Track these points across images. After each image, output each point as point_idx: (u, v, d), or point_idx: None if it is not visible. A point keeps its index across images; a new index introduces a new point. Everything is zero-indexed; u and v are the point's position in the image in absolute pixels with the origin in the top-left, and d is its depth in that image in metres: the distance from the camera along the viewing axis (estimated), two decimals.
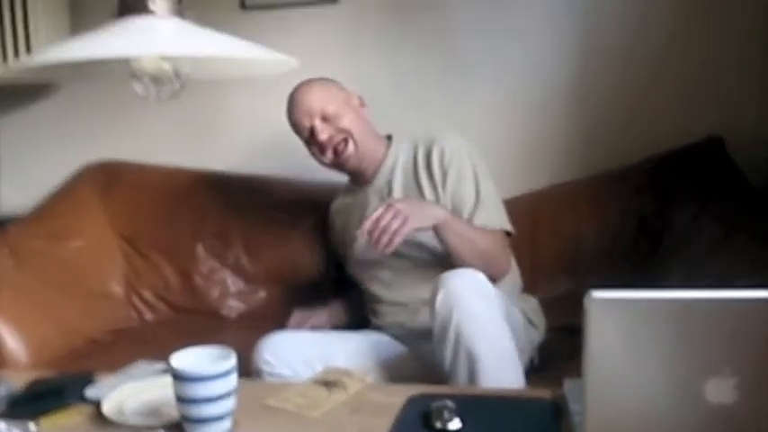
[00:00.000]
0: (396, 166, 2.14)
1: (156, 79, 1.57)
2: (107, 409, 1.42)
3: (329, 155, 2.11)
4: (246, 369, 1.41)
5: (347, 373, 1.57)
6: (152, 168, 2.90)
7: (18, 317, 2.36)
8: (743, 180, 2.33)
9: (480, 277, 1.74)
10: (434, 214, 1.85)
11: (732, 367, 1.04)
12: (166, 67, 1.57)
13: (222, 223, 2.73)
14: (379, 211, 1.78)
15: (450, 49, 2.69)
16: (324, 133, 2.08)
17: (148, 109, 2.88)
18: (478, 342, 1.64)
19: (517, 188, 2.50)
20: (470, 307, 1.66)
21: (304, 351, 1.92)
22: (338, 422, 1.38)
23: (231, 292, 2.70)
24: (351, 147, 2.10)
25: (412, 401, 1.42)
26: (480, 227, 1.95)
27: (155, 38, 1.50)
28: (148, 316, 2.74)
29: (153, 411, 1.41)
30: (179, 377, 1.29)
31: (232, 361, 1.32)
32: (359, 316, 2.23)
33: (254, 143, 2.86)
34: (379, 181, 2.15)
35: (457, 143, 2.07)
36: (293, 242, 2.61)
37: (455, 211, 1.96)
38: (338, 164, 2.14)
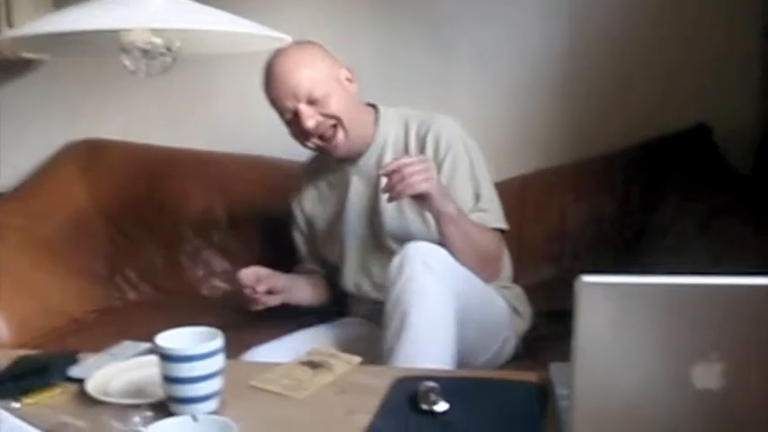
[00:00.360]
0: (386, 146, 2.02)
1: (147, 53, 1.55)
2: (91, 387, 1.41)
3: (315, 141, 1.96)
4: (232, 349, 1.39)
5: (334, 354, 1.57)
6: (136, 147, 2.88)
7: (0, 295, 2.34)
8: (729, 168, 2.34)
9: (443, 253, 1.73)
10: (451, 203, 1.79)
11: (720, 353, 1.04)
12: (157, 40, 1.55)
13: (207, 203, 2.72)
14: (411, 159, 1.74)
15: (438, 33, 2.68)
16: (310, 120, 1.91)
17: (133, 87, 2.86)
18: (414, 311, 1.63)
19: (502, 173, 2.49)
20: (419, 276, 1.65)
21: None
22: (324, 403, 1.38)
23: (216, 272, 2.69)
24: (340, 135, 1.95)
25: (399, 383, 1.42)
26: (480, 225, 1.89)
27: (145, 11, 1.48)
28: (132, 295, 2.73)
29: (138, 391, 1.41)
30: (165, 356, 1.28)
31: (219, 341, 1.31)
32: (326, 304, 2.19)
33: (240, 122, 2.84)
34: (367, 161, 2.02)
35: (452, 132, 1.98)
36: (279, 222, 2.61)
37: None
38: (324, 150, 1.99)
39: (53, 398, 1.42)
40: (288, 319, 2.08)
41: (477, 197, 1.94)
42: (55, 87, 2.99)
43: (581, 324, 1.05)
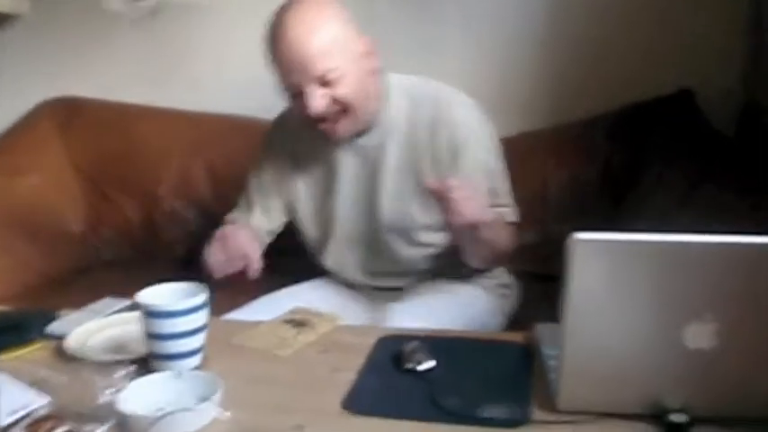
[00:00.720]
0: (391, 126, 1.77)
1: None
2: (71, 344, 1.39)
3: (315, 120, 1.69)
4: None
5: (317, 313, 1.56)
6: (114, 105, 2.84)
7: None
8: (713, 133, 2.34)
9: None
10: (487, 212, 1.58)
11: (713, 313, 1.04)
12: None
13: (186, 162, 2.68)
14: (456, 183, 1.50)
15: None
16: (318, 104, 1.63)
17: (111, 45, 2.82)
18: None
19: None
20: None
21: None
22: (308, 361, 1.37)
23: (194, 232, 2.66)
24: (345, 122, 1.70)
25: (383, 342, 1.41)
26: (500, 225, 1.73)
27: None
28: (108, 254, 2.71)
29: (119, 347, 1.39)
30: (148, 312, 1.27)
31: (202, 297, 1.29)
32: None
33: (220, 81, 2.80)
34: (367, 141, 1.78)
35: (468, 122, 1.76)
36: None
37: None
38: (321, 130, 1.73)
39: (32, 354, 1.41)
40: (264, 281, 2.04)
41: (495, 192, 1.76)
42: (31, 44, 2.93)
43: (573, 282, 1.05)
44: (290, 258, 1.91)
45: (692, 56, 2.48)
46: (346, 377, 1.28)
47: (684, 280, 1.04)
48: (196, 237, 2.65)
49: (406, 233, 1.80)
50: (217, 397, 1.13)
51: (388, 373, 1.30)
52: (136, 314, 1.33)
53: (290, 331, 1.48)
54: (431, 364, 1.30)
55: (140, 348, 1.32)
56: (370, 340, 1.42)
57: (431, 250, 1.83)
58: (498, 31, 2.64)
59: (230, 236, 1.65)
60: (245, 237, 1.65)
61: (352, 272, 1.90)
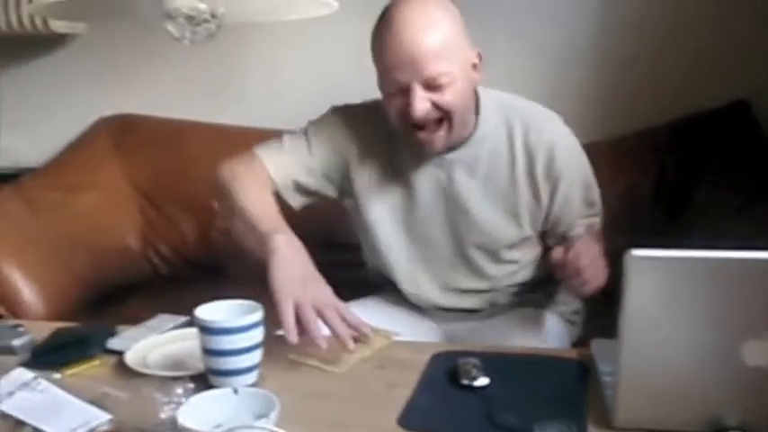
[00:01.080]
0: (483, 143, 1.70)
1: (191, 20, 1.53)
2: (131, 360, 1.41)
3: (408, 125, 1.60)
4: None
5: (373, 329, 1.56)
6: (169, 122, 2.88)
7: (34, 269, 2.37)
8: (766, 144, 2.30)
9: None
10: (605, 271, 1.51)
11: None
12: (202, 6, 1.53)
13: None
14: (584, 258, 1.45)
15: (472, 6, 2.65)
16: (420, 107, 1.54)
17: (165, 62, 2.87)
18: None
19: None
20: None
21: None
22: (364, 377, 1.37)
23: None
24: (443, 132, 1.61)
25: (438, 358, 1.42)
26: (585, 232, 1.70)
27: None
28: (164, 270, 2.75)
29: (177, 363, 1.41)
30: (206, 329, 1.29)
31: (259, 314, 1.31)
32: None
33: (271, 97, 2.83)
34: (458, 155, 1.70)
35: (565, 146, 1.72)
36: None
37: (555, 220, 1.73)
38: (413, 139, 1.64)
39: (93, 370, 1.43)
40: None
41: (590, 204, 1.76)
42: (86, 63, 2.99)
43: (629, 299, 1.04)
44: (341, 271, 1.89)
45: (748, 66, 2.45)
46: (402, 393, 1.28)
47: (742, 297, 1.03)
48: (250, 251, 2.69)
49: (491, 251, 1.76)
50: (274, 414, 1.14)
51: (443, 389, 1.30)
52: (193, 330, 1.35)
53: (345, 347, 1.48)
54: (486, 380, 1.29)
55: (198, 364, 1.34)
56: (425, 356, 1.42)
57: (514, 267, 1.80)
58: (550, 41, 2.63)
59: (346, 311, 1.48)
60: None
61: (428, 290, 1.82)
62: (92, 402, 1.24)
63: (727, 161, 2.25)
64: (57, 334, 1.55)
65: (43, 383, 1.30)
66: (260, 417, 1.15)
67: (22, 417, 1.21)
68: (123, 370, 1.40)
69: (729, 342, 1.04)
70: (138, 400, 1.22)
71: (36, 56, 3.02)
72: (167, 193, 2.78)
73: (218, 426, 1.15)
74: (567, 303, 1.87)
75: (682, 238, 2.11)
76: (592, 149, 2.50)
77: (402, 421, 1.20)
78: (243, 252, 2.63)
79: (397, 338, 1.55)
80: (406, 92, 1.55)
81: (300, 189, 1.76)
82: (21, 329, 1.54)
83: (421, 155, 1.70)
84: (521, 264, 1.80)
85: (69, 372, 1.39)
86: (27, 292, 2.31)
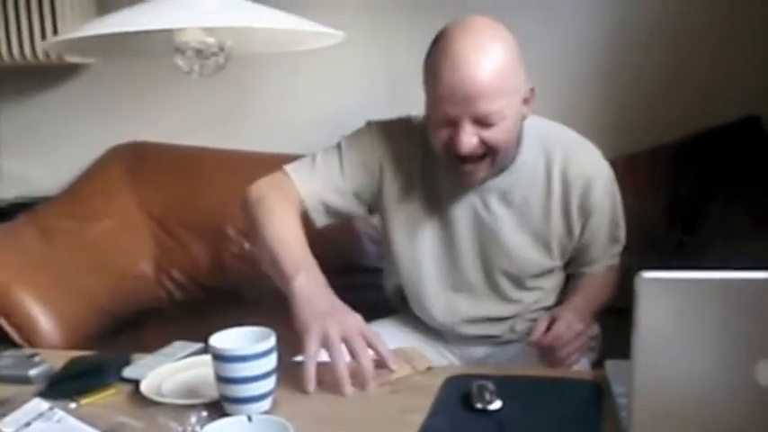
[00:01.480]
0: (521, 173, 1.67)
1: (200, 53, 1.55)
2: (146, 388, 1.41)
3: (458, 157, 1.55)
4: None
5: (406, 354, 1.52)
6: (180, 149, 2.91)
7: (50, 297, 2.38)
8: None
9: None
10: (587, 315, 1.64)
11: None
12: (210, 40, 1.54)
13: None
14: (564, 333, 1.51)
15: None
16: (467, 142, 1.51)
17: (175, 90, 2.89)
18: None
19: None
20: None
21: None
22: (377, 402, 1.37)
23: (262, 271, 2.68)
24: (485, 166, 1.58)
25: (451, 382, 1.41)
26: (604, 287, 1.78)
27: (198, 10, 1.48)
28: (178, 296, 2.76)
29: (191, 391, 1.41)
30: (220, 357, 1.29)
31: (272, 340, 1.31)
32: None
33: (284, 122, 2.86)
34: (495, 184, 1.67)
35: (603, 181, 1.70)
36: None
37: (577, 253, 1.76)
38: (454, 169, 1.60)
39: (108, 398, 1.43)
40: None
41: (615, 240, 1.78)
42: (98, 92, 3.03)
43: (641, 320, 1.04)
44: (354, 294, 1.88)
45: (759, 82, 2.45)
46: (416, 418, 1.28)
47: (755, 317, 1.02)
48: (263, 275, 2.70)
49: (517, 278, 1.76)
50: None
51: (457, 413, 1.30)
52: (207, 358, 1.35)
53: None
54: (500, 403, 1.29)
55: (212, 392, 1.34)
56: (438, 381, 1.42)
57: (539, 294, 1.80)
58: (560, 58, 2.64)
59: (376, 340, 1.45)
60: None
61: (452, 316, 1.80)
62: None
63: (739, 177, 2.24)
64: (72, 363, 1.56)
65: (59, 414, 1.31)
66: None
67: None
68: (139, 398, 1.40)
69: (743, 362, 1.04)
70: (153, 429, 1.23)
71: (49, 85, 3.06)
72: (179, 219, 2.80)
73: None
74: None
75: (695, 256, 2.11)
76: None
77: None
78: (257, 276, 2.68)
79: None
80: (454, 124, 1.51)
81: (329, 211, 1.74)
82: (37, 359, 1.55)
83: (458, 181, 1.66)
84: (545, 290, 1.80)
85: (85, 401, 1.40)
86: (43, 320, 2.33)
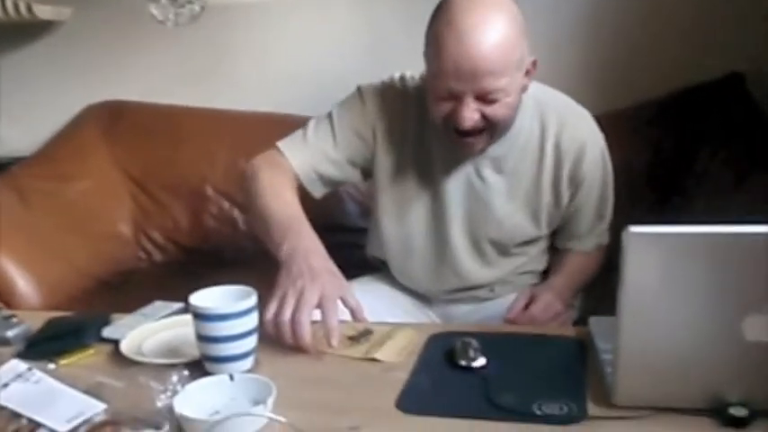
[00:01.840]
0: (516, 140, 1.66)
1: (174, 2, 1.50)
2: (126, 348, 1.40)
3: (458, 131, 1.55)
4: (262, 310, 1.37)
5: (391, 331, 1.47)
6: (158, 108, 2.87)
7: (28, 259, 2.36)
8: (761, 117, 2.29)
9: None
10: (566, 294, 1.69)
11: None
12: None
13: (231, 163, 2.69)
14: (540, 314, 1.57)
15: None
16: (469, 118, 1.49)
17: (152, 48, 2.84)
18: None
19: None
20: None
21: None
22: (360, 361, 1.35)
23: (242, 231, 2.68)
24: (485, 138, 1.57)
25: (435, 340, 1.41)
26: (587, 266, 1.81)
27: None
28: (158, 257, 2.74)
29: (172, 350, 1.40)
30: (201, 316, 1.27)
31: (253, 299, 1.30)
32: None
33: (263, 80, 2.82)
34: (491, 152, 1.65)
35: (595, 151, 1.71)
36: None
37: (563, 223, 1.77)
38: (450, 139, 1.59)
39: (88, 359, 1.41)
40: None
41: (601, 217, 1.77)
42: (72, 50, 2.97)
43: (628, 275, 1.03)
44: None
45: (743, 39, 2.44)
46: (399, 376, 1.27)
47: (741, 271, 1.02)
48: (243, 235, 2.68)
49: (503, 246, 1.76)
50: (270, 400, 1.13)
51: (441, 370, 1.29)
52: (187, 317, 1.33)
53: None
54: (484, 360, 1.28)
55: (193, 351, 1.33)
56: (421, 338, 1.41)
57: (523, 260, 1.80)
58: (542, 16, 2.60)
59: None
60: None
61: (430, 286, 1.82)
62: (87, 392, 1.23)
63: (722, 134, 2.24)
64: (51, 323, 1.54)
65: (38, 374, 1.29)
66: (257, 403, 1.14)
67: (17, 408, 1.19)
68: (118, 358, 1.38)
69: (729, 317, 1.03)
70: (133, 388, 1.21)
71: (22, 44, 3.00)
72: (158, 179, 2.77)
73: (215, 413, 1.15)
74: None
75: (680, 212, 2.11)
76: None
77: (400, 404, 1.19)
78: (237, 237, 2.67)
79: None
80: (456, 98, 1.50)
81: (324, 180, 1.73)
82: (14, 320, 1.52)
83: (454, 152, 1.65)
84: (529, 257, 1.81)
85: (64, 361, 1.38)
86: (21, 282, 2.30)
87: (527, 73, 1.56)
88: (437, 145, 1.68)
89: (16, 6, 2.65)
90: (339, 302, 1.40)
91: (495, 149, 1.65)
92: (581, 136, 1.68)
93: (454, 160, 1.68)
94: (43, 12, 2.72)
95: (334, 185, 1.77)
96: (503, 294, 1.81)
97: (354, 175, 1.76)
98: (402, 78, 1.73)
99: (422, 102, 1.64)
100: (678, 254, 1.02)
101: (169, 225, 2.75)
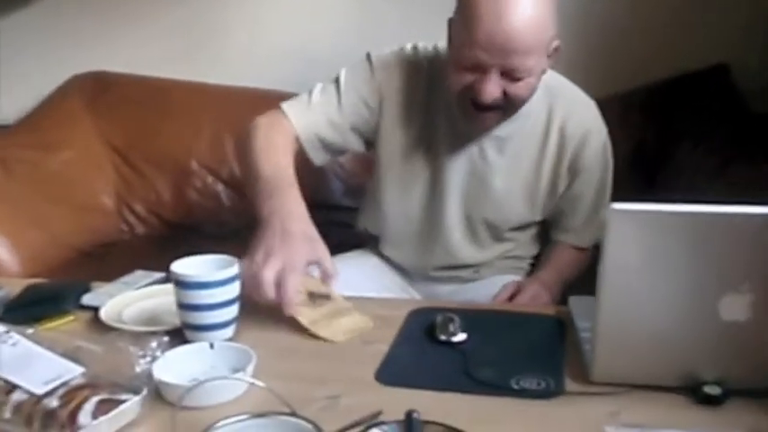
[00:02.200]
0: (525, 122, 1.65)
1: None
2: (105, 315, 1.39)
3: (464, 100, 1.54)
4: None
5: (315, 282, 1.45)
6: (144, 80, 2.85)
7: (9, 227, 2.35)
8: (744, 107, 2.31)
9: None
10: (553, 285, 1.66)
11: (749, 284, 1.03)
12: None
13: (216, 137, 2.69)
14: (524, 301, 1.57)
15: None
16: (492, 92, 1.48)
17: (140, 20, 2.82)
18: None
19: None
20: None
21: None
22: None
23: (225, 206, 2.67)
24: (498, 115, 1.57)
25: (415, 314, 1.41)
26: (577, 261, 1.78)
27: None
28: (140, 230, 2.74)
29: (153, 319, 1.39)
30: (182, 284, 1.27)
31: (235, 268, 1.29)
32: None
33: (251, 55, 2.81)
34: (498, 132, 1.65)
35: (598, 142, 1.70)
36: None
37: (558, 212, 1.76)
38: (464, 113, 1.58)
39: (67, 325, 1.41)
40: None
41: (598, 211, 1.75)
42: (59, 19, 2.95)
43: (610, 252, 1.04)
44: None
45: (728, 30, 2.45)
46: (379, 348, 1.28)
47: (721, 251, 1.03)
48: (227, 210, 2.68)
49: (496, 229, 1.76)
50: (250, 368, 1.13)
51: (421, 344, 1.30)
52: (169, 286, 1.33)
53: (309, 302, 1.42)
54: (464, 335, 1.29)
55: (174, 320, 1.33)
56: (402, 312, 1.42)
57: (512, 245, 1.80)
58: None
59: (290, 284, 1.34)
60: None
61: (419, 262, 1.82)
62: (65, 356, 1.22)
63: (705, 124, 2.25)
64: (30, 289, 1.53)
65: (15, 337, 1.27)
66: (236, 371, 1.15)
67: None
68: (98, 325, 1.38)
69: (707, 297, 1.04)
70: (112, 353, 1.21)
71: (8, 11, 2.96)
72: (142, 152, 2.75)
73: (194, 380, 1.14)
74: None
75: (660, 199, 2.11)
76: None
77: (379, 376, 1.19)
78: (220, 211, 2.66)
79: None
80: (481, 71, 1.47)
81: (326, 145, 1.71)
82: None
83: (459, 124, 1.64)
84: (518, 242, 1.81)
85: (43, 327, 1.37)
86: (1, 250, 2.29)
87: (549, 57, 1.55)
88: (443, 120, 1.67)
89: None
90: (312, 267, 1.39)
91: (502, 129, 1.64)
92: (586, 124, 1.68)
93: (459, 138, 1.67)
94: None
95: (334, 153, 1.75)
96: (486, 276, 1.81)
97: (356, 143, 1.74)
98: (415, 48, 1.71)
99: (433, 73, 1.64)
100: (660, 231, 1.03)
101: (152, 198, 2.73)
